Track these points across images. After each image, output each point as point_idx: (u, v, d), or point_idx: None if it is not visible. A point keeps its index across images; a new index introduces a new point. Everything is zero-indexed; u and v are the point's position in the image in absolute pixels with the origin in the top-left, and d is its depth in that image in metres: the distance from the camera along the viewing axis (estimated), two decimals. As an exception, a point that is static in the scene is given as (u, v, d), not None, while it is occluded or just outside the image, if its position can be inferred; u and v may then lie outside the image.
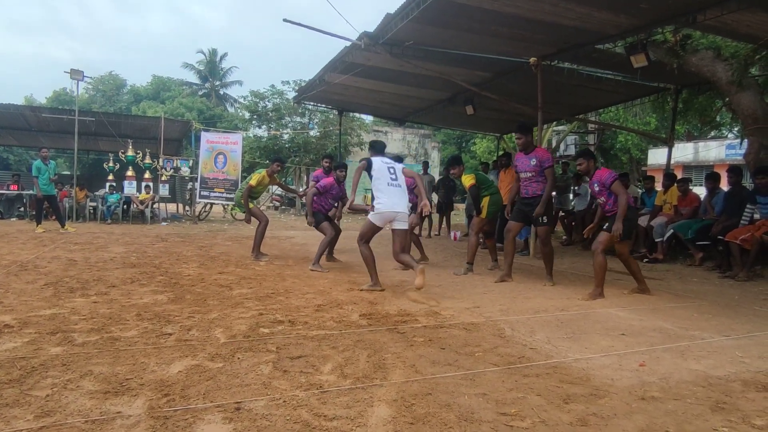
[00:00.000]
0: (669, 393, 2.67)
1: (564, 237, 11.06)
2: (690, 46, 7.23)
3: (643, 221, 8.57)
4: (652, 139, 21.94)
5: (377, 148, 5.81)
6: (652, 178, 9.82)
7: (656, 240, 8.13)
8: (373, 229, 5.52)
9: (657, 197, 8.78)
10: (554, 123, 15.30)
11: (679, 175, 18.65)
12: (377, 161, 5.46)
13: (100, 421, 2.16)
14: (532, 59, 7.85)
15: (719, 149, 24.94)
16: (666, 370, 3.02)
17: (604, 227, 5.30)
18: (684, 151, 25.78)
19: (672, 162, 10.77)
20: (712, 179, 8.10)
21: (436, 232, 12.64)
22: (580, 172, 5.68)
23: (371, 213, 5.43)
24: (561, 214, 11.68)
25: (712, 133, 24.99)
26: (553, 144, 16.58)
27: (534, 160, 5.97)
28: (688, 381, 2.85)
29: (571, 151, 17.87)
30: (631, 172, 20.65)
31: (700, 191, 8.93)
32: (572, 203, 12.08)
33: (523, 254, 8.67)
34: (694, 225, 7.58)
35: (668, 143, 10.49)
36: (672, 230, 7.86)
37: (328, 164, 8.19)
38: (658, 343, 3.59)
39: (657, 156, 24.36)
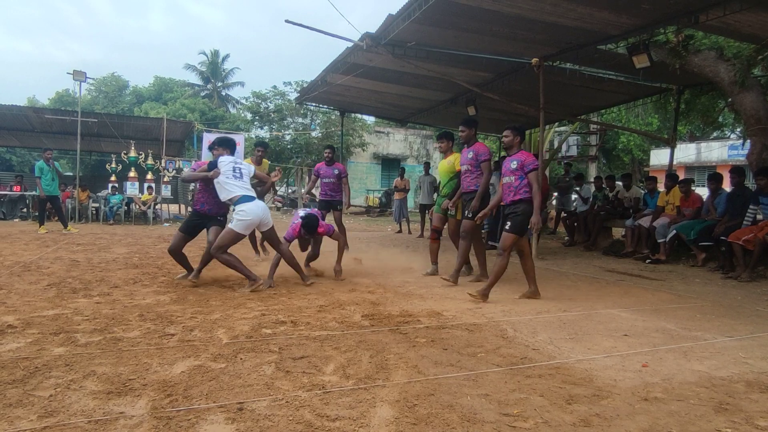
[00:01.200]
0: (672, 394, 2.66)
1: (566, 238, 11.05)
2: (692, 47, 7.22)
3: (645, 222, 8.56)
4: (654, 140, 21.93)
5: (227, 144, 5.63)
6: (654, 179, 9.81)
7: (659, 241, 8.12)
8: (236, 239, 5.26)
9: (659, 198, 8.77)
10: (556, 124, 15.30)
11: (682, 175, 18.64)
12: (225, 161, 5.31)
13: (104, 422, 2.17)
14: (534, 60, 7.85)
15: (722, 150, 24.90)
16: (669, 371, 3.01)
17: (507, 228, 5.04)
18: (686, 152, 25.77)
19: (674, 163, 10.76)
20: (715, 180, 8.09)
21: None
22: (504, 145, 5.31)
23: (235, 222, 5.18)
24: (563, 215, 11.69)
25: (715, 134, 24.98)
26: (555, 144, 16.58)
27: (471, 153, 5.90)
28: (691, 382, 2.85)
29: (573, 152, 17.86)
30: (633, 172, 20.64)
31: (703, 192, 8.92)
32: (574, 204, 12.08)
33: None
34: (696, 226, 7.57)
35: (670, 144, 10.48)
36: (674, 231, 7.85)
37: (329, 155, 8.18)
38: (660, 344, 3.58)
39: (659, 157, 24.35)
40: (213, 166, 5.33)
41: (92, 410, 2.27)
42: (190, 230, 5.55)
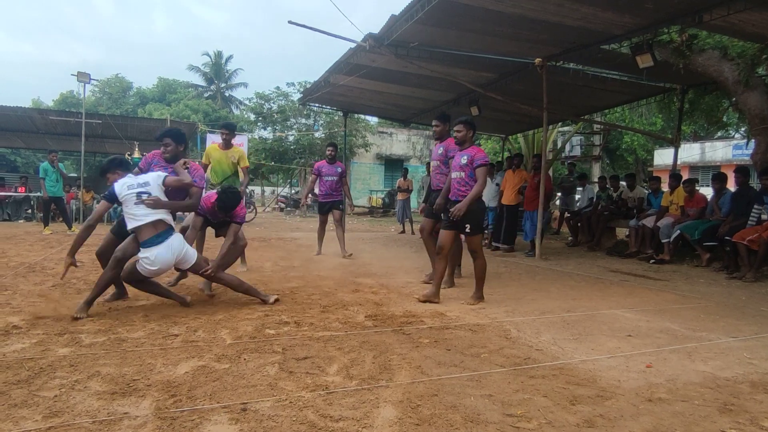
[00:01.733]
0: (676, 394, 2.66)
1: (570, 238, 11.03)
2: (696, 46, 7.20)
3: (649, 222, 8.54)
4: (658, 140, 21.85)
5: (117, 164, 4.68)
6: (658, 179, 9.78)
7: (663, 241, 8.10)
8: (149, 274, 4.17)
9: (663, 198, 8.74)
10: (559, 124, 15.28)
11: (686, 175, 18.59)
12: (120, 186, 4.18)
13: (108, 422, 2.17)
14: (537, 60, 7.84)
15: (726, 149, 24.81)
16: (673, 372, 3.00)
17: (467, 230, 4.81)
18: (690, 152, 25.67)
19: (678, 162, 10.73)
20: (719, 180, 8.06)
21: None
22: (457, 140, 5.06)
23: (140, 265, 4.05)
24: (567, 215, 11.67)
25: (719, 134, 24.87)
26: (558, 145, 16.56)
27: (441, 149, 5.66)
28: (696, 382, 2.84)
29: (577, 152, 17.86)
30: (637, 172, 20.56)
31: (707, 192, 8.89)
32: (577, 204, 12.06)
33: (529, 255, 8.65)
34: (701, 226, 7.54)
35: (674, 144, 10.45)
36: (679, 231, 7.83)
37: (332, 153, 8.08)
38: (665, 345, 3.57)
39: (663, 156, 24.27)
40: (111, 198, 4.28)
41: (97, 410, 2.28)
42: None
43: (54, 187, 11.05)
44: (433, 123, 5.86)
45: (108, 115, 19.60)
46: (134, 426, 2.15)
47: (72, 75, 14.12)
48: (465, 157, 4.94)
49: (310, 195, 9.19)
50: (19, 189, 15.12)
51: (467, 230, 4.85)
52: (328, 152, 8.16)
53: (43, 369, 2.77)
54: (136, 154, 15.18)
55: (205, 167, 6.49)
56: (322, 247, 8.25)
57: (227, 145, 6.61)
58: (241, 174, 6.75)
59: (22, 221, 14.35)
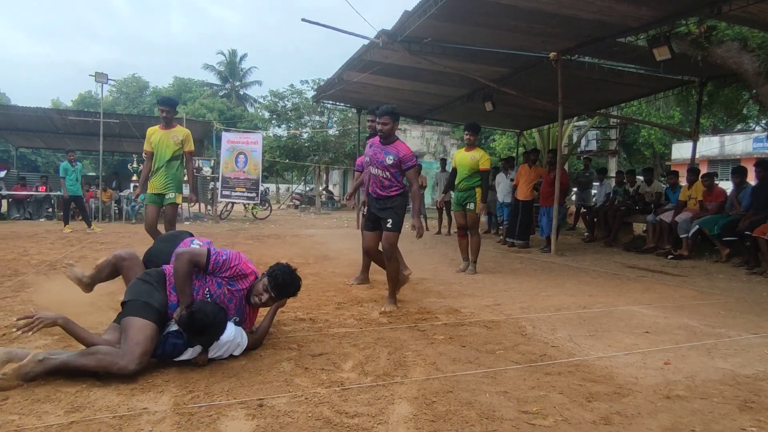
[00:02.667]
0: (695, 392, 2.63)
1: (586, 234, 10.93)
2: (715, 38, 7.07)
3: (667, 217, 8.42)
4: (675, 133, 21.53)
5: None
6: (676, 173, 9.64)
7: (681, 236, 7.99)
8: None
9: (681, 192, 8.62)
10: (575, 118, 15.12)
11: (704, 169, 18.26)
12: None
13: (128, 417, 2.21)
14: (552, 54, 7.77)
15: (746, 143, 24.36)
16: (692, 369, 2.97)
17: (388, 225, 4.48)
18: (709, 145, 25.25)
19: (697, 156, 10.57)
20: (739, 173, 7.93)
21: (456, 230, 12.57)
22: (383, 133, 4.48)
23: None
24: (583, 210, 11.57)
25: (739, 126, 24.44)
26: (574, 139, 16.38)
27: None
28: (715, 380, 2.80)
29: (593, 146, 17.64)
30: (654, 167, 20.30)
31: (727, 186, 8.74)
32: (594, 199, 11.94)
33: (544, 251, 8.59)
34: (720, 220, 7.43)
35: (693, 137, 10.29)
36: (697, 226, 7.71)
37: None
38: (683, 341, 3.53)
39: (681, 150, 23.90)
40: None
41: (117, 406, 2.32)
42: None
43: (74, 186, 11.23)
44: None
45: (125, 114, 19.87)
46: (153, 421, 2.19)
47: (90, 75, 14.36)
48: (391, 157, 4.48)
49: (349, 199, 6.72)
50: (40, 188, 15.38)
51: (388, 225, 4.52)
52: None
53: (64, 365, 2.82)
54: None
55: (151, 156, 5.84)
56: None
57: (168, 123, 5.86)
58: (186, 161, 6.03)
59: (43, 220, 14.60)
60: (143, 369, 2.66)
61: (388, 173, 4.50)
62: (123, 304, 2.79)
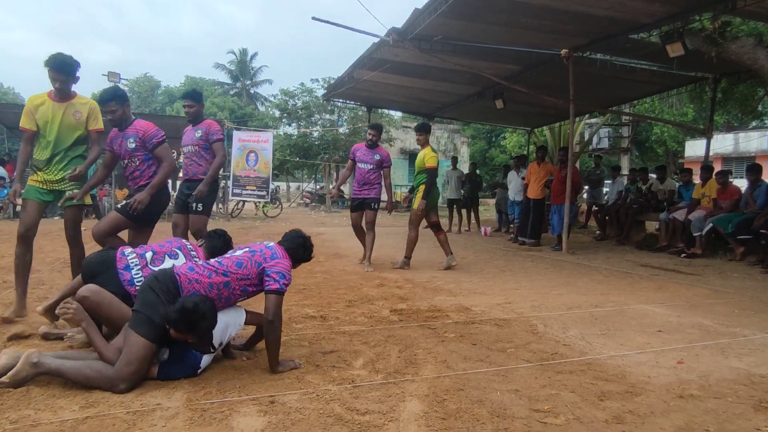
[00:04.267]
0: (709, 391, 2.60)
1: (598, 232, 10.85)
2: (729, 33, 6.98)
3: (680, 215, 8.34)
4: (689, 131, 21.29)
5: None
6: (689, 171, 9.54)
7: (694, 234, 7.90)
8: None
9: (695, 190, 8.53)
10: (586, 116, 15.01)
11: (718, 167, 18.04)
12: None
13: (141, 412, 2.24)
14: (563, 51, 7.72)
15: (761, 140, 24.04)
16: (705, 368, 2.94)
17: (199, 209, 4.52)
18: (723, 143, 24.96)
19: (711, 154, 10.46)
20: (754, 171, 7.83)
21: (466, 228, 12.57)
22: (189, 115, 4.79)
23: None
24: (594, 208, 11.49)
25: (754, 123, 24.11)
26: (586, 137, 16.27)
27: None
28: (729, 379, 2.77)
29: (605, 144, 17.53)
30: (667, 164, 20.09)
31: (741, 183, 8.63)
32: (605, 197, 11.86)
33: (555, 249, 8.54)
34: (734, 218, 7.34)
35: (707, 134, 10.18)
36: (711, 224, 7.62)
37: (373, 137, 6.48)
38: (696, 340, 3.50)
39: (695, 148, 23.62)
40: None
41: (130, 401, 2.35)
42: None
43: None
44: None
45: (138, 113, 20.00)
46: (166, 417, 2.21)
47: (103, 75, 14.47)
48: (199, 131, 4.73)
49: (336, 191, 8.02)
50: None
51: (198, 209, 4.63)
52: (369, 136, 6.53)
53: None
54: (165, 152, 15.50)
55: (30, 138, 4.02)
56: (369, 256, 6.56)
57: (63, 95, 3.99)
58: (92, 144, 4.22)
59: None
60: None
61: (197, 146, 4.82)
62: (132, 310, 2.70)
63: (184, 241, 3.44)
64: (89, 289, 2.84)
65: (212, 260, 2.92)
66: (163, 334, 2.60)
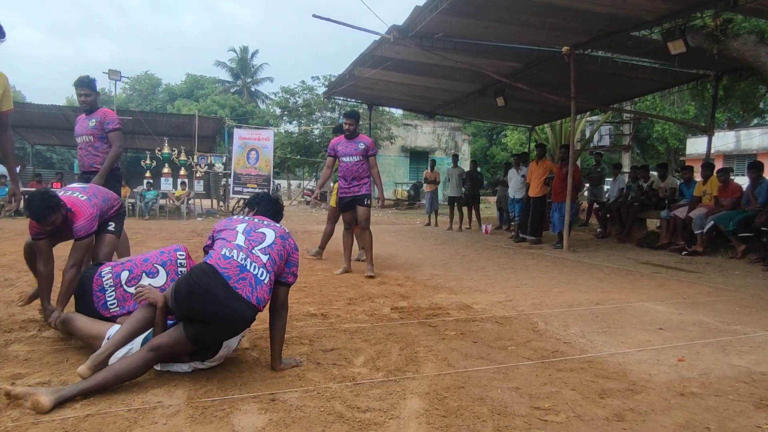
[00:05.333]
0: (709, 389, 2.60)
1: (599, 230, 10.85)
2: (731, 31, 6.96)
3: (681, 213, 8.33)
4: (690, 128, 21.27)
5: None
6: (690, 169, 9.53)
7: (696, 232, 7.90)
8: None
9: (696, 188, 8.52)
10: (587, 113, 14.99)
11: (720, 164, 18.01)
12: None
13: (142, 410, 2.24)
14: (565, 48, 7.70)
15: (763, 137, 24.00)
16: (706, 366, 2.94)
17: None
18: (725, 140, 24.91)
19: (712, 151, 10.46)
20: (756, 168, 7.81)
21: (467, 226, 12.57)
22: (86, 104, 4.73)
23: None
24: (595, 206, 11.48)
25: (755, 121, 24.06)
26: (587, 135, 16.24)
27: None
28: (730, 377, 2.77)
29: (606, 141, 17.45)
30: (668, 162, 20.05)
31: (743, 181, 8.62)
32: (607, 194, 11.85)
33: (556, 247, 8.54)
34: (735, 216, 7.33)
35: (708, 132, 10.17)
36: (712, 222, 7.62)
37: (351, 126, 5.80)
38: (697, 338, 3.50)
39: (696, 145, 23.63)
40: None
41: (131, 399, 2.35)
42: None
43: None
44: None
45: (138, 111, 20.02)
46: (167, 414, 2.21)
47: (104, 73, 14.47)
48: (93, 121, 4.70)
49: (317, 191, 6.67)
50: (55, 185, 15.54)
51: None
52: (345, 126, 5.84)
53: (80, 360, 2.86)
54: (166, 150, 15.50)
55: None
56: (350, 261, 6.17)
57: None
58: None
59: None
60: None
61: (92, 137, 4.72)
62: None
63: (179, 253, 3.19)
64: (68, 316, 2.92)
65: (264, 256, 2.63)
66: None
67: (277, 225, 2.86)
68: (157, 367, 2.64)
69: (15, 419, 2.12)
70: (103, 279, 3.05)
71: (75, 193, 3.39)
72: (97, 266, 3.22)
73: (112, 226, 3.70)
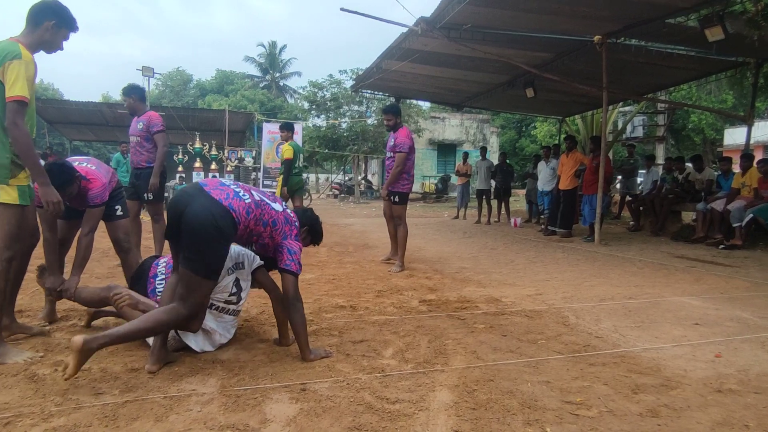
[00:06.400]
0: (748, 386, 2.53)
1: (632, 222, 10.61)
2: (773, 16, 6.70)
3: (719, 205, 8.08)
4: (728, 118, 20.56)
5: None
6: (729, 160, 9.22)
7: (734, 225, 7.65)
8: None
9: (735, 179, 8.24)
10: (620, 104, 14.64)
11: (760, 155, 17.38)
12: None
13: (178, 398, 2.30)
14: (597, 37, 7.53)
15: (806, 127, 23.02)
16: (745, 362, 2.86)
17: (149, 197, 5.22)
18: (765, 130, 23.99)
19: (752, 141, 10.09)
20: (798, 159, 7.51)
21: (496, 219, 12.46)
22: (131, 108, 5.40)
23: None
24: (628, 198, 11.23)
25: (798, 110, 23.11)
26: (619, 126, 15.87)
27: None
28: (770, 374, 2.69)
29: (639, 133, 17.03)
30: (704, 153, 19.48)
31: (785, 172, 8.29)
32: (640, 187, 11.57)
33: (587, 241, 8.39)
34: (776, 209, 7.07)
35: (747, 121, 9.81)
36: (752, 215, 7.37)
37: (389, 122, 5.90)
38: (735, 334, 3.40)
39: (734, 136, 22.81)
40: None
41: (167, 387, 2.42)
42: None
43: (125, 177, 11.68)
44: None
45: (170, 107, 20.43)
46: (201, 402, 2.27)
47: (137, 69, 14.80)
48: (141, 124, 5.24)
49: (369, 178, 8.17)
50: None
51: (149, 197, 5.25)
52: (384, 122, 6.08)
53: (118, 348, 2.95)
54: (197, 144, 15.79)
55: None
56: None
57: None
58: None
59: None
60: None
61: (139, 137, 5.39)
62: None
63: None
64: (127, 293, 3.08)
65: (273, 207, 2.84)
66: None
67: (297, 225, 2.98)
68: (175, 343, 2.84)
69: (58, 404, 2.21)
70: (158, 267, 3.22)
71: (83, 164, 3.53)
72: (157, 257, 3.42)
73: (119, 210, 3.84)
